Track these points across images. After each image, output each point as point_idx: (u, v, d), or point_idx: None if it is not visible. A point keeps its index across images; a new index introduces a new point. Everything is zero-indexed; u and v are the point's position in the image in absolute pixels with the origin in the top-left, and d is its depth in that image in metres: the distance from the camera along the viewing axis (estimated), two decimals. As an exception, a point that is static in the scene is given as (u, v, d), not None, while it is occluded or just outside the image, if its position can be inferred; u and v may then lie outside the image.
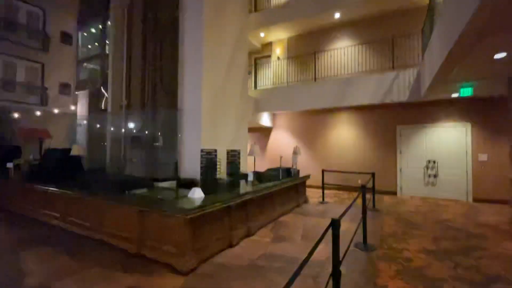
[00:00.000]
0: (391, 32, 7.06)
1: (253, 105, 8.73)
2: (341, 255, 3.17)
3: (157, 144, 6.36)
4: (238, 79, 7.33)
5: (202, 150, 3.55)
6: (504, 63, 4.19)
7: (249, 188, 4.16)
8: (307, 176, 6.56)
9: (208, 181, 3.55)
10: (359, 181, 8.00)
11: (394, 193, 7.59)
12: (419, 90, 6.29)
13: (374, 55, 7.63)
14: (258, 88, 9.54)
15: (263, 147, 10.01)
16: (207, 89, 6.08)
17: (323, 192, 6.65)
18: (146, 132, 6.70)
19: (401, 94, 6.48)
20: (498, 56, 3.79)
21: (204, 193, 3.44)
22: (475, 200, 6.65)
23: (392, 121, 7.71)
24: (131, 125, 7.07)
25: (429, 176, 7.20)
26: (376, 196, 7.38)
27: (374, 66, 7.42)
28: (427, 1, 6.30)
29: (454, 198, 6.88)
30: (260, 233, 4.13)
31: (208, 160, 3.53)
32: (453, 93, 6.20)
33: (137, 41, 6.78)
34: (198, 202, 3.09)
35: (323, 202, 6.54)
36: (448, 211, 5.73)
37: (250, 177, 4.96)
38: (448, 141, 7.01)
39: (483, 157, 6.63)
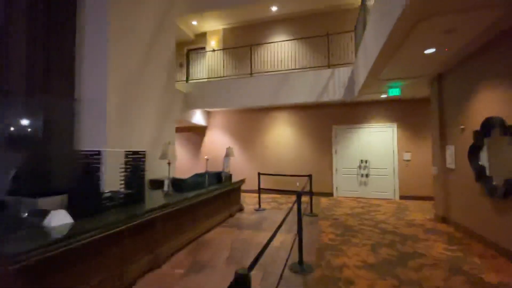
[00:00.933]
0: (328, 29, 6.92)
1: (184, 100, 7.63)
2: (274, 283, 2.46)
3: (45, 144, 4.75)
4: (162, 69, 6.17)
5: (75, 152, 2.40)
6: (430, 63, 4.19)
7: (159, 202, 3.14)
8: (242, 181, 5.82)
9: (85, 197, 2.41)
10: (298, 184, 7.68)
11: (331, 194, 7.48)
12: (353, 89, 6.21)
13: (311, 52, 7.43)
14: (190, 82, 8.44)
15: (197, 148, 8.94)
16: (116, 75, 4.81)
17: (259, 198, 6.00)
18: (30, 128, 5.00)
19: (336, 93, 6.33)
20: (428, 51, 3.68)
21: (78, 215, 2.30)
22: (402, 197, 6.94)
23: (328, 121, 7.61)
24: (8, 119, 5.22)
25: (362, 176, 7.29)
26: (314, 198, 7.11)
27: (310, 63, 7.19)
28: (359, 2, 6.30)
29: (384, 197, 7.07)
30: (173, 260, 3.15)
31: (85, 167, 2.40)
32: (382, 93, 6.30)
33: (20, 5, 5.01)
34: (55, 234, 1.95)
35: (259, 209, 5.88)
36: (380, 211, 5.71)
37: (166, 186, 3.92)
38: (378, 141, 7.20)
39: (407, 156, 6.97)
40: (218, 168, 8.20)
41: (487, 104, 3.47)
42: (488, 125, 3.36)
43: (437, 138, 4.86)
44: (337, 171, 7.48)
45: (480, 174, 3.56)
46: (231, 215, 5.28)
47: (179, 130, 9.14)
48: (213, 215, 4.57)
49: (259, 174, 5.99)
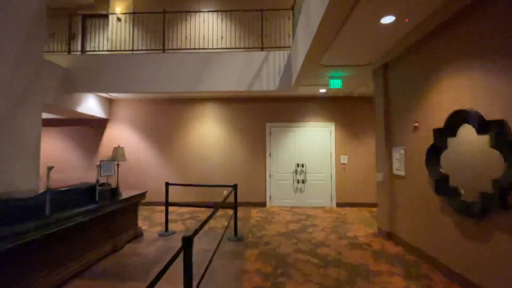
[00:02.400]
0: (261, 5, 5.75)
1: (64, 79, 5.35)
2: None
3: None
4: (16, 30, 3.99)
5: None
6: (380, 45, 3.34)
7: None
8: (141, 195, 4.07)
9: None
10: (225, 193, 6.30)
11: (264, 204, 6.32)
12: (290, 79, 5.17)
13: (242, 30, 6.15)
14: (80, 55, 6.13)
15: (92, 149, 6.65)
16: None
17: (166, 218, 4.33)
18: None
19: (271, 81, 5.18)
20: (386, 20, 2.75)
21: None
22: (338, 204, 6.26)
23: (261, 117, 6.46)
24: None
25: (298, 181, 6.36)
26: (244, 210, 5.83)
27: (241, 43, 5.91)
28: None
29: (321, 205, 6.28)
30: None
31: None
32: (322, 87, 5.46)
33: None
34: None
35: (166, 233, 4.24)
36: (319, 225, 4.77)
37: None
38: (315, 143, 6.39)
39: (344, 159, 6.34)
40: (125, 179, 6.10)
41: (452, 94, 2.70)
42: (456, 121, 2.57)
43: (382, 138, 4.13)
44: (271, 177, 6.38)
45: (441, 184, 2.77)
46: (115, 250, 3.50)
47: (60, 122, 6.70)
48: (71, 259, 2.75)
49: (167, 184, 4.34)
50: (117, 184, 3.64)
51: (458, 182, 2.59)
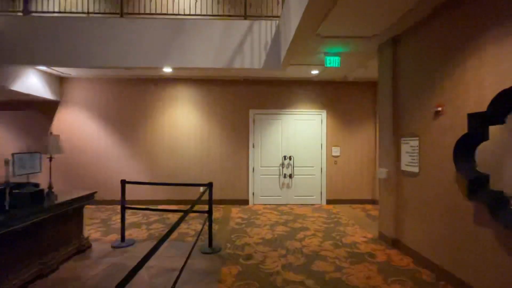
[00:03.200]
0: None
1: (-8, 49, 4.16)
2: None
3: None
4: None
5: None
6: (396, 4, 2.60)
7: None
8: (84, 197, 3.14)
9: None
10: (201, 190, 5.47)
11: (246, 202, 5.57)
12: (278, 56, 4.33)
13: None
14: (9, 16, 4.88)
15: (38, 138, 5.50)
16: None
17: (122, 225, 3.44)
18: None
19: (255, 58, 4.31)
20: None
21: None
22: (329, 201, 5.64)
23: (244, 103, 5.62)
24: None
25: (285, 176, 5.65)
26: (223, 209, 5.05)
27: (219, 9, 4.96)
28: None
29: (310, 202, 5.63)
30: None
31: None
32: (315, 67, 4.70)
33: None
34: None
35: (122, 243, 3.36)
36: (309, 228, 4.09)
37: None
38: (305, 132, 5.67)
39: (335, 151, 5.69)
40: (84, 175, 5.07)
41: (502, 68, 2.01)
42: (508, 103, 1.89)
43: (387, 127, 3.45)
44: (254, 171, 5.61)
45: (477, 186, 2.12)
46: (45, 273, 2.59)
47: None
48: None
49: (123, 182, 3.43)
50: (50, 185, 2.70)
51: (502, 184, 1.94)
